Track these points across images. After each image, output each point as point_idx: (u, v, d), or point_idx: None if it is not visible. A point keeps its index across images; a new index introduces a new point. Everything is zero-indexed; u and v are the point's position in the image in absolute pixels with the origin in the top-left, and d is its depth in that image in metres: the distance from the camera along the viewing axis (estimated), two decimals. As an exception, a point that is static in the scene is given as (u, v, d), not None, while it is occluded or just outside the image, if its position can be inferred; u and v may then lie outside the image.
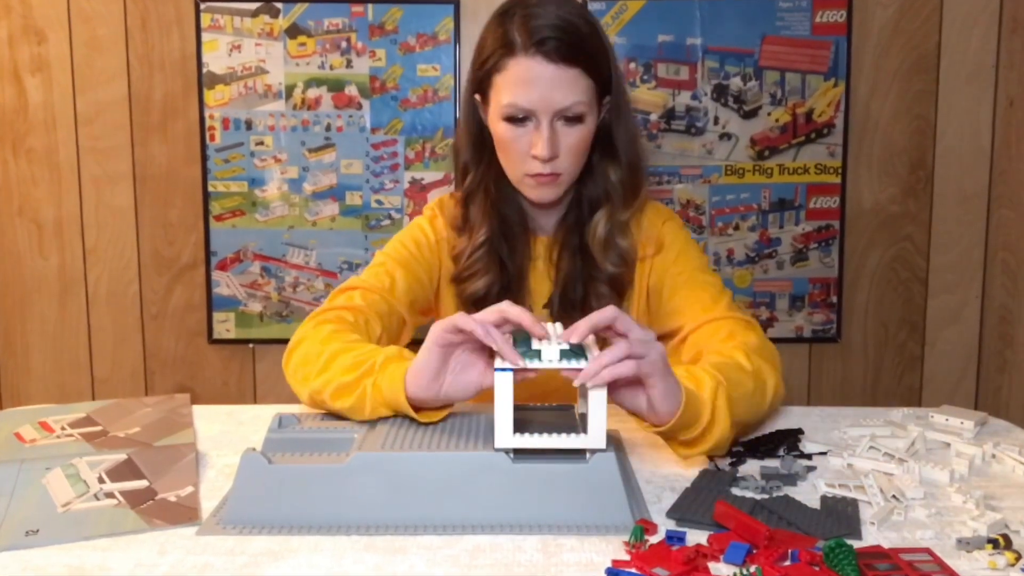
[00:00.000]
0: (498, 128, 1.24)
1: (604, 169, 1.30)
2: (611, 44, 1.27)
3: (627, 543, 0.82)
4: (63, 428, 1.14)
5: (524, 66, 1.19)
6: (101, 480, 0.96)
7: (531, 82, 1.19)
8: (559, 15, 1.19)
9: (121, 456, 1.02)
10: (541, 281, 1.35)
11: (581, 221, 1.32)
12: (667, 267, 1.32)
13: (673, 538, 0.82)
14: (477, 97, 1.29)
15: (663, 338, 1.26)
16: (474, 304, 1.29)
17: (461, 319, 0.94)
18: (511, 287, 1.30)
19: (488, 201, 1.31)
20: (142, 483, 0.96)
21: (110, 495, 0.93)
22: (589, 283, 1.29)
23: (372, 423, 1.01)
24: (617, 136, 1.29)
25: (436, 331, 0.97)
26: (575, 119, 1.21)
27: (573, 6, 1.24)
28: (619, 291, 1.30)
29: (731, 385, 1.02)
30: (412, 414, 1.00)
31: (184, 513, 0.90)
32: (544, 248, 1.35)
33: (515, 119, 1.22)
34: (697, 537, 0.83)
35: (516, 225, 1.33)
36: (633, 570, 0.78)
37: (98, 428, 1.14)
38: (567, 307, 1.29)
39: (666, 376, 0.94)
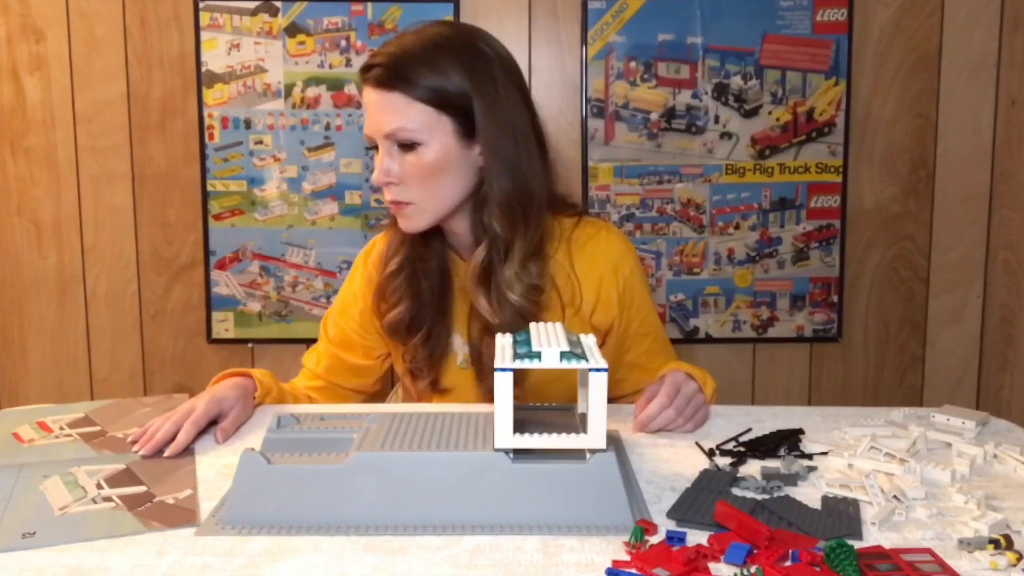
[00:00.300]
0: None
1: (482, 208, 1.24)
2: (484, 76, 1.20)
3: (627, 543, 0.82)
4: (61, 428, 1.14)
5: (366, 96, 1.22)
6: (99, 486, 0.96)
7: (367, 109, 1.21)
8: (403, 44, 1.20)
9: (120, 466, 1.02)
10: (465, 303, 1.31)
11: (489, 253, 1.27)
12: (631, 323, 1.35)
13: (674, 538, 0.81)
14: None
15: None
16: (393, 333, 1.31)
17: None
18: (429, 319, 1.29)
19: (399, 230, 1.28)
20: (140, 488, 0.96)
21: (108, 499, 0.93)
22: (502, 312, 1.25)
23: (370, 424, 1.01)
24: (488, 179, 1.22)
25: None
26: (409, 145, 1.19)
27: (433, 38, 1.21)
28: (528, 318, 1.22)
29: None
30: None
31: (182, 515, 0.89)
32: (465, 271, 1.30)
33: (370, 148, 1.25)
34: (698, 537, 0.83)
35: (435, 253, 1.31)
36: (633, 571, 0.77)
37: (97, 428, 1.14)
38: (486, 334, 1.26)
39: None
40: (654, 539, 0.83)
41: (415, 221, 1.24)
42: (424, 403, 1.38)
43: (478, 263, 1.24)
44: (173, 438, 1.07)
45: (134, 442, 1.09)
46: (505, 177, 1.22)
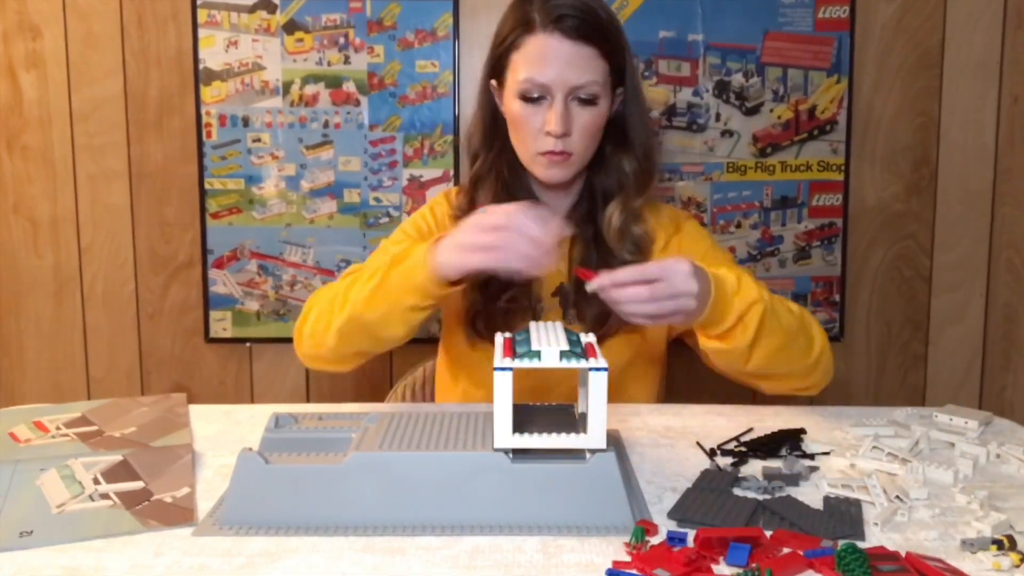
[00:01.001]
0: (513, 106, 1.27)
1: (618, 160, 1.32)
2: (627, 38, 1.30)
3: (628, 544, 0.82)
4: (58, 428, 1.13)
5: (542, 42, 1.22)
6: (96, 481, 0.95)
7: (548, 58, 1.22)
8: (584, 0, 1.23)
9: (117, 457, 1.02)
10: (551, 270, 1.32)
11: (594, 212, 1.34)
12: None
13: (675, 539, 0.81)
14: (493, 83, 1.32)
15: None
16: (480, 288, 1.30)
17: (481, 262, 1.06)
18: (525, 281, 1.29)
19: (498, 185, 1.33)
20: (138, 484, 0.95)
21: (105, 496, 0.92)
22: (623, 239, 1.31)
23: (368, 424, 1.00)
24: (630, 127, 1.31)
25: (461, 264, 1.08)
26: (588, 100, 1.24)
27: None
28: (640, 247, 1.32)
29: (774, 303, 1.14)
30: (438, 290, 1.09)
31: (180, 514, 0.89)
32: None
33: (530, 97, 1.24)
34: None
35: None
36: (634, 571, 0.77)
37: (94, 428, 1.13)
38: (582, 296, 1.27)
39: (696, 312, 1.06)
40: (655, 540, 0.83)
41: (569, 171, 1.29)
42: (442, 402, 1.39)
43: (610, 218, 1.31)
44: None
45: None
46: (642, 130, 1.31)
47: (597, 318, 1.29)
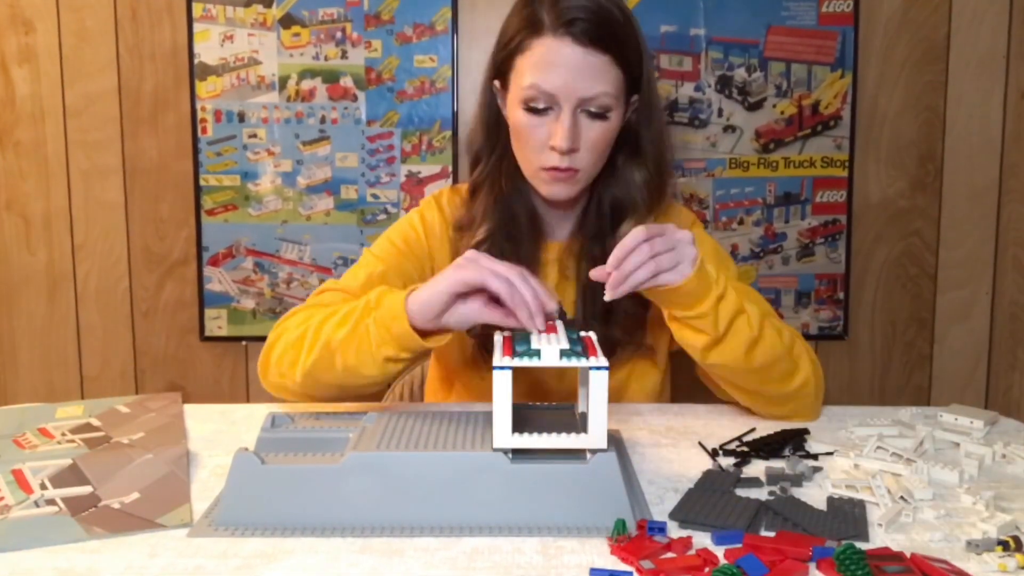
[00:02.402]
0: (516, 115, 1.17)
1: (630, 172, 1.23)
2: (645, 41, 1.20)
3: (610, 539, 0.82)
4: (64, 434, 1.12)
5: (550, 47, 1.12)
6: (43, 486, 0.94)
7: (556, 64, 1.12)
8: (597, 2, 1.13)
9: (66, 461, 1.00)
10: (551, 284, 1.28)
11: (603, 228, 1.25)
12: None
13: (655, 529, 0.81)
14: (496, 84, 1.23)
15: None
16: None
17: (488, 278, 0.95)
18: None
19: (494, 195, 1.24)
20: (85, 489, 0.94)
21: (51, 502, 0.91)
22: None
23: (366, 424, 0.99)
24: (644, 138, 1.22)
25: (455, 279, 0.98)
26: (599, 113, 1.14)
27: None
28: (644, 302, 1.20)
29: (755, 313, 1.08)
30: (420, 342, 1.01)
31: (126, 521, 0.87)
32: (556, 254, 1.29)
33: (535, 108, 1.15)
34: (702, 539, 0.83)
35: (524, 225, 1.25)
36: (618, 566, 0.77)
37: (100, 434, 1.12)
38: (591, 319, 1.22)
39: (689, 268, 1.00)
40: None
41: (573, 189, 1.20)
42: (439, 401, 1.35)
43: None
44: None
45: None
46: (657, 142, 1.22)
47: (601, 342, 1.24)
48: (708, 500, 0.89)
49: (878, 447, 1.05)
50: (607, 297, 1.00)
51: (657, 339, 1.31)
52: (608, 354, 1.17)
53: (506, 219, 1.24)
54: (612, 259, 0.99)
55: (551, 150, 1.15)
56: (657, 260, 0.99)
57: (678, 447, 1.09)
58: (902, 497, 0.91)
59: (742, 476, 0.97)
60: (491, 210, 1.24)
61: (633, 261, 0.98)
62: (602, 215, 1.25)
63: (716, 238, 2.02)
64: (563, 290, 1.27)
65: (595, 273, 1.00)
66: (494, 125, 1.25)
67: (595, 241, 1.24)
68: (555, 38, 1.11)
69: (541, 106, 1.14)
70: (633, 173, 1.23)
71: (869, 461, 1.02)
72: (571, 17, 1.11)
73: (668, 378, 1.39)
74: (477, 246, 1.20)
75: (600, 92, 1.12)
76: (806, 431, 1.12)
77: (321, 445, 0.95)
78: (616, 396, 1.29)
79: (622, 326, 1.24)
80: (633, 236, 0.99)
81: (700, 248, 1.23)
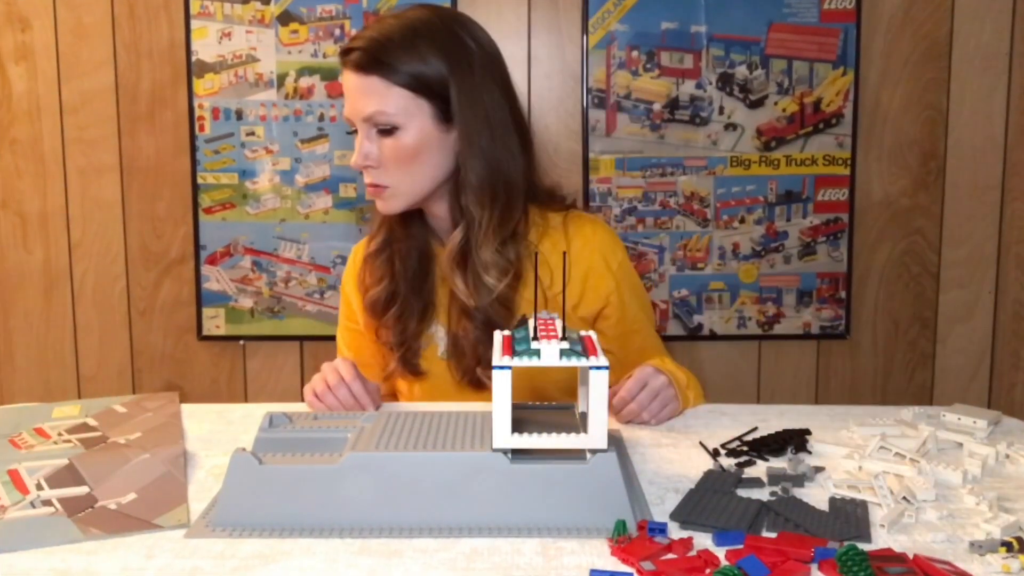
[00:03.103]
0: None
1: (463, 191, 1.26)
2: (461, 60, 1.23)
3: (610, 540, 0.81)
4: (60, 434, 1.11)
5: (344, 79, 1.24)
6: (39, 487, 0.94)
7: (347, 92, 1.24)
8: (382, 27, 1.22)
9: (63, 461, 1.00)
10: (444, 290, 1.33)
11: (469, 238, 1.29)
12: (622, 312, 1.33)
13: (655, 530, 0.81)
14: None
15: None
16: (372, 310, 1.34)
17: (308, 399, 1.22)
18: (403, 292, 1.32)
19: (392, 220, 1.33)
20: (82, 490, 0.93)
21: (47, 503, 0.91)
22: (479, 295, 1.27)
23: (364, 424, 1.00)
24: (466, 166, 1.24)
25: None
26: (387, 129, 1.21)
27: (413, 23, 1.22)
28: (507, 305, 1.27)
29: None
30: None
31: (122, 522, 0.87)
32: (445, 259, 1.32)
33: (352, 132, 1.26)
34: (703, 540, 0.82)
35: (416, 236, 1.34)
36: (618, 566, 0.77)
37: (97, 434, 1.11)
38: (464, 319, 1.28)
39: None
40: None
41: (392, 204, 1.26)
42: (414, 402, 1.37)
43: (455, 244, 1.27)
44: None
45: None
46: (480, 162, 1.24)
47: (494, 312, 1.27)
48: (709, 501, 0.89)
49: (880, 447, 1.04)
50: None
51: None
52: (507, 318, 1.26)
53: (394, 233, 1.34)
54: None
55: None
56: (648, 410, 1.17)
57: (679, 447, 1.09)
58: (905, 498, 0.90)
59: (743, 476, 0.97)
60: (383, 224, 1.34)
61: (624, 415, 1.17)
62: (457, 223, 1.29)
63: (717, 237, 2.04)
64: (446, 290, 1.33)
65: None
66: None
67: (460, 252, 1.28)
68: (344, 71, 1.23)
69: (352, 129, 1.26)
70: (460, 194, 1.26)
71: (871, 461, 1.01)
72: (347, 47, 1.22)
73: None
74: (372, 257, 1.34)
75: (376, 111, 1.20)
76: (808, 431, 1.11)
77: (319, 445, 0.95)
78: (543, 376, 1.32)
79: (499, 311, 1.27)
80: (620, 400, 1.16)
81: (622, 285, 1.34)
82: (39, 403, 1.25)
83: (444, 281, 1.32)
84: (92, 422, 1.15)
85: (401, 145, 1.22)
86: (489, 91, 1.25)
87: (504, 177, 1.25)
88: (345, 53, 1.22)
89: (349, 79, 1.22)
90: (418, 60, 1.20)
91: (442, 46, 1.22)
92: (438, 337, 1.33)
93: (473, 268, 1.25)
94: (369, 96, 1.20)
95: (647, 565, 0.75)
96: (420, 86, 1.21)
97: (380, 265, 1.33)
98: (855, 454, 1.03)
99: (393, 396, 1.44)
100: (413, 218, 1.33)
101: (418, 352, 1.33)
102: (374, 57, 1.19)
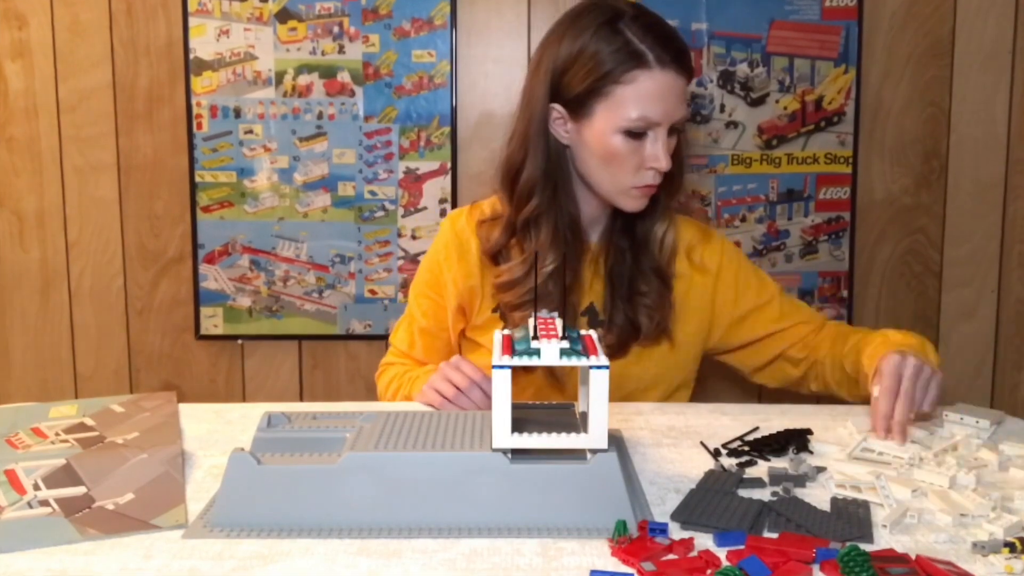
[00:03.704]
0: (611, 140, 1.22)
1: (679, 189, 1.34)
2: None
3: (611, 540, 0.81)
4: (57, 434, 1.10)
5: (659, 80, 1.19)
6: (37, 487, 0.93)
7: (664, 96, 1.20)
8: (670, 30, 1.24)
9: (60, 461, 0.99)
10: (587, 286, 1.35)
11: (630, 222, 1.33)
12: (747, 295, 1.38)
13: (656, 530, 0.81)
14: (558, 108, 1.26)
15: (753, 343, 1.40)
16: (514, 310, 1.31)
17: (431, 398, 1.23)
18: (565, 296, 1.30)
19: (557, 226, 1.28)
20: (79, 490, 0.93)
21: (44, 503, 0.90)
22: (637, 278, 1.32)
23: (363, 423, 1.00)
24: (685, 164, 1.34)
25: (421, 399, 1.25)
26: (679, 129, 1.26)
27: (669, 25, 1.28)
28: (665, 280, 1.33)
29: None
30: None
31: (120, 522, 0.86)
32: (591, 254, 1.35)
33: (636, 133, 1.22)
34: (704, 540, 0.82)
35: (575, 241, 1.32)
36: (620, 567, 0.77)
37: (95, 434, 1.11)
38: (617, 299, 1.31)
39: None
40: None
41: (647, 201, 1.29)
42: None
43: (651, 225, 1.33)
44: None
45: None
46: (679, 148, 1.30)
47: (624, 330, 1.31)
48: (710, 501, 0.89)
49: (881, 448, 1.04)
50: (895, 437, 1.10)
51: (686, 345, 1.38)
52: (633, 338, 1.31)
53: (568, 250, 1.30)
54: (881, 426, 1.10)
55: (648, 170, 1.23)
56: (916, 401, 1.12)
57: (680, 447, 1.08)
58: (906, 498, 0.90)
59: (744, 476, 0.97)
60: (556, 240, 1.28)
61: (899, 419, 1.10)
62: (629, 214, 1.31)
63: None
64: (595, 284, 1.34)
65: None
66: (553, 154, 1.29)
67: (623, 235, 1.34)
68: (663, 71, 1.19)
69: (642, 131, 1.22)
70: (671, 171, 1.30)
71: (873, 461, 1.01)
72: (677, 50, 1.21)
73: (691, 393, 1.45)
74: (549, 275, 1.28)
75: (687, 113, 1.25)
76: (809, 431, 1.11)
77: (318, 445, 0.94)
78: (636, 382, 1.35)
79: (646, 310, 1.32)
80: (886, 403, 1.11)
81: (739, 268, 1.39)
82: (36, 403, 1.24)
83: (583, 268, 1.33)
84: (90, 422, 1.15)
85: (679, 145, 1.27)
86: None
87: (687, 160, 1.36)
88: (677, 56, 1.21)
89: (674, 82, 1.21)
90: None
91: None
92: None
93: (636, 252, 1.32)
94: (683, 100, 1.23)
95: (648, 566, 0.75)
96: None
97: (555, 284, 1.28)
98: (856, 453, 1.03)
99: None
100: (574, 227, 1.32)
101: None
102: (689, 59, 1.23)
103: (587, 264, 1.34)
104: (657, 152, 1.21)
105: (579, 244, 1.32)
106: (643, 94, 1.19)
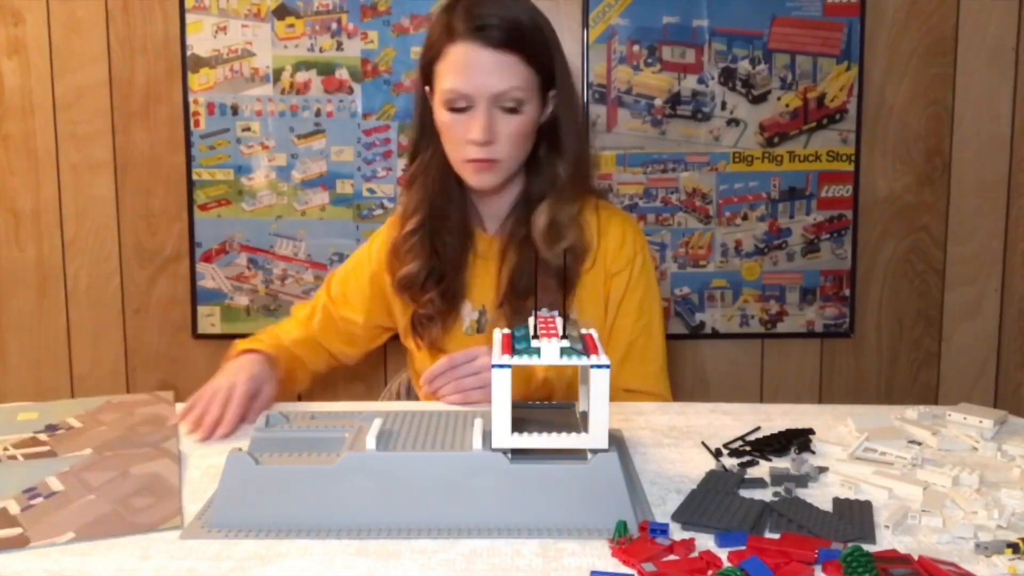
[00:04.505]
0: (440, 115, 1.30)
1: (551, 163, 1.35)
2: (558, 41, 1.34)
3: (611, 540, 0.81)
4: (5, 448, 1.06)
5: (462, 51, 1.25)
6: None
7: (470, 67, 1.25)
8: (502, 6, 1.27)
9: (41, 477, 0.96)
10: (482, 278, 1.39)
11: (528, 216, 1.36)
12: (629, 307, 1.39)
13: (657, 531, 0.81)
14: (427, 89, 1.35)
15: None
16: (404, 289, 1.39)
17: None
18: (445, 277, 1.37)
19: (426, 188, 1.37)
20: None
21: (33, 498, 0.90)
22: (535, 275, 1.31)
23: (362, 423, 0.99)
24: (563, 130, 1.34)
25: None
26: (512, 108, 1.27)
27: (527, 5, 1.31)
28: (564, 281, 1.34)
29: None
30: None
31: (118, 523, 0.85)
32: (488, 245, 1.40)
33: (456, 107, 1.28)
34: (705, 541, 0.82)
35: (455, 216, 1.38)
36: (620, 567, 0.77)
37: (46, 448, 1.07)
38: (512, 298, 1.34)
39: None
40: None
41: (496, 178, 1.32)
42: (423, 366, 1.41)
43: (536, 219, 1.34)
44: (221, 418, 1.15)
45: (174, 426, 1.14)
46: (575, 134, 1.35)
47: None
48: (711, 501, 0.89)
49: (884, 448, 1.04)
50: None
51: (589, 316, 1.39)
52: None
53: (437, 209, 1.37)
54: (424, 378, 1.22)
55: (470, 143, 1.28)
56: (461, 385, 1.21)
57: (680, 447, 1.08)
58: (909, 498, 0.90)
59: (746, 477, 0.97)
60: (422, 201, 1.37)
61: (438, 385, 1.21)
62: (529, 203, 1.37)
63: (720, 234, 2.02)
64: (488, 277, 1.39)
65: None
66: (427, 125, 1.37)
67: (520, 226, 1.37)
68: (467, 43, 1.25)
69: (461, 105, 1.27)
70: (555, 164, 1.35)
71: (875, 462, 1.00)
72: (480, 23, 1.25)
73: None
74: (407, 237, 1.37)
75: (510, 87, 1.26)
76: (811, 431, 1.11)
77: (317, 445, 0.94)
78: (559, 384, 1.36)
79: (545, 305, 1.31)
80: (438, 364, 1.21)
81: (641, 278, 1.40)
82: (32, 402, 1.24)
83: (482, 261, 1.39)
84: (42, 437, 1.10)
85: (523, 122, 1.29)
86: (568, 74, 1.36)
87: (588, 150, 1.40)
88: (479, 29, 1.24)
89: (481, 55, 1.25)
90: (544, 42, 1.30)
91: (550, 32, 1.32)
92: (464, 314, 1.40)
93: (556, 226, 1.33)
94: (504, 74, 1.25)
95: (648, 567, 0.75)
96: (542, 67, 1.29)
97: (416, 243, 1.36)
98: (859, 454, 1.03)
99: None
100: (454, 199, 1.38)
101: (448, 328, 1.39)
102: (513, 36, 1.25)
103: (481, 249, 1.40)
104: (472, 125, 1.26)
105: (464, 225, 1.39)
106: (451, 67, 1.26)
